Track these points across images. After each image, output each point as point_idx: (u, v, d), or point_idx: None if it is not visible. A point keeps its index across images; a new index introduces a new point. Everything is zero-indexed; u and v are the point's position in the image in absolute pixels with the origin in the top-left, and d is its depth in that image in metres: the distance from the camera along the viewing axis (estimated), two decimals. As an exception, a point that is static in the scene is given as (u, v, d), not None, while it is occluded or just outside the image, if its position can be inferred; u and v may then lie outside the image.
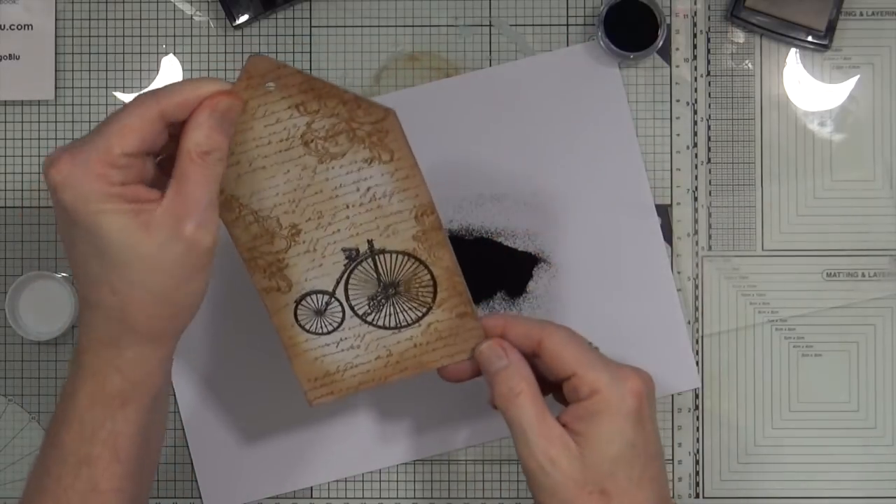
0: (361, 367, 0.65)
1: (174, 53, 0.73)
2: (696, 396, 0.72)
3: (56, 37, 0.72)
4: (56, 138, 0.72)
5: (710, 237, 0.72)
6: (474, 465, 0.72)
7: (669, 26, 0.72)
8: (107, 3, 0.73)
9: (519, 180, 0.71)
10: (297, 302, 0.64)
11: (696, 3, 0.72)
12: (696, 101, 0.72)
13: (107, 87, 0.73)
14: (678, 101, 0.72)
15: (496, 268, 0.71)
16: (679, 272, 0.72)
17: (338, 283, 0.64)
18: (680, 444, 0.72)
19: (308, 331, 0.64)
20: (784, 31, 0.71)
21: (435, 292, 0.64)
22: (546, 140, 0.71)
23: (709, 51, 0.72)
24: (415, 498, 0.72)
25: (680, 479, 0.72)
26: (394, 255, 0.64)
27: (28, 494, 0.58)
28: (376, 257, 0.64)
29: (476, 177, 0.71)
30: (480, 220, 0.71)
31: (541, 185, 0.71)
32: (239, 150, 0.62)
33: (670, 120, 0.72)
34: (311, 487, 0.72)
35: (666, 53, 0.72)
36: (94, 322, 0.57)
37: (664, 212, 0.72)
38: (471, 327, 0.63)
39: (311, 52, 0.72)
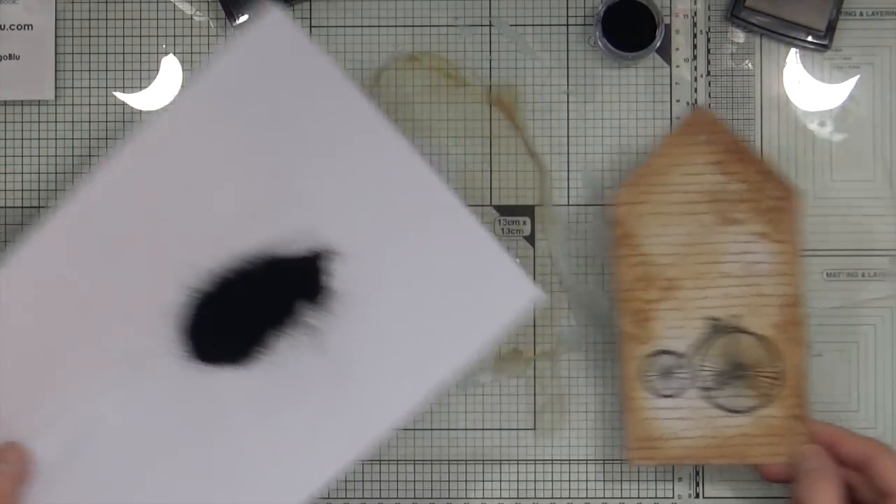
0: (686, 441, 0.65)
1: (174, 53, 0.73)
2: (696, 396, 0.72)
3: (56, 37, 0.72)
4: (56, 138, 0.72)
5: (710, 237, 0.72)
6: (474, 465, 0.72)
7: (668, 26, 0.72)
8: (107, 3, 0.73)
9: (266, 187, 0.66)
10: (649, 356, 0.64)
11: (696, 3, 0.72)
12: (696, 101, 0.72)
13: (107, 87, 0.73)
14: (678, 101, 0.72)
15: (288, 282, 0.66)
16: (679, 272, 0.72)
17: (692, 349, 0.64)
18: (680, 445, 0.72)
19: (649, 389, 0.65)
20: (784, 31, 0.71)
21: (778, 388, 0.64)
22: (274, 135, 0.66)
23: (709, 51, 0.72)
24: (415, 498, 0.72)
25: (680, 479, 0.72)
26: (752, 337, 0.64)
27: None
28: (735, 334, 0.64)
29: (222, 205, 0.66)
30: (247, 244, 0.66)
31: (290, 181, 0.66)
32: (651, 192, 0.63)
33: (670, 120, 0.72)
34: (311, 487, 0.72)
35: (666, 53, 0.72)
36: None
37: (664, 212, 0.72)
38: (800, 431, 0.64)
39: (310, 52, 0.72)
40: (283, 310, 0.66)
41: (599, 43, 0.71)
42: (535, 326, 0.72)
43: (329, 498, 0.72)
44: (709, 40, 0.73)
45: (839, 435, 0.66)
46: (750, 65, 0.72)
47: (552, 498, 0.72)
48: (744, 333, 0.64)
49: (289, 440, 0.66)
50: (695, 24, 0.72)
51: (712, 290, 0.64)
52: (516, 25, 0.73)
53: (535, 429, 0.72)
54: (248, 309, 0.66)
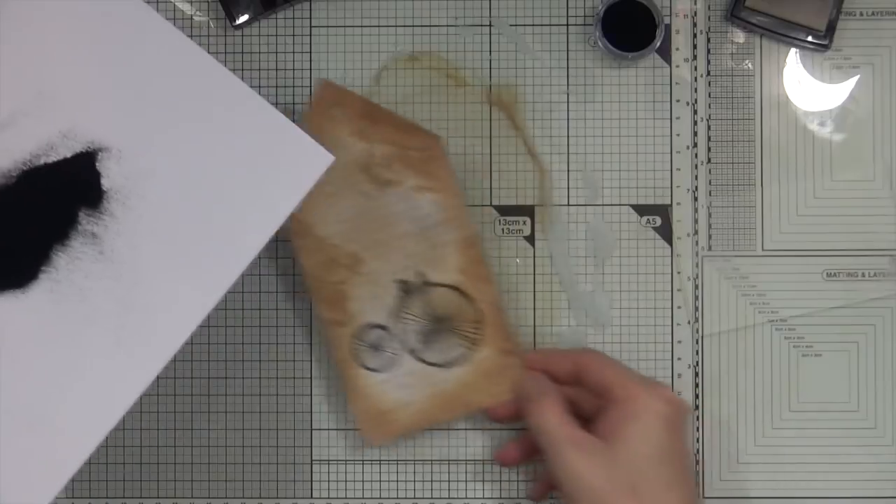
0: (414, 406, 0.65)
1: (174, 53, 0.73)
2: (697, 396, 0.72)
3: (56, 37, 0.72)
4: (56, 138, 0.72)
5: (710, 237, 0.72)
6: (474, 465, 0.72)
7: (668, 26, 0.72)
8: (107, 3, 0.73)
9: (15, 90, 0.61)
10: (355, 336, 0.64)
11: (696, 3, 0.72)
12: (696, 101, 0.72)
13: (107, 88, 0.73)
14: (678, 101, 0.72)
15: (58, 191, 0.61)
16: (679, 272, 0.72)
17: (392, 316, 0.64)
18: (680, 444, 0.72)
19: (364, 366, 0.64)
20: (784, 31, 0.71)
21: (481, 329, 0.64)
22: (17, 31, 0.61)
23: (709, 51, 0.72)
24: (415, 498, 0.72)
25: (680, 480, 0.72)
26: (442, 289, 0.64)
27: None
28: (427, 290, 0.64)
29: None
30: (8, 157, 0.61)
31: (40, 79, 0.61)
32: None
33: (670, 120, 0.72)
34: (311, 487, 0.72)
35: (666, 53, 0.72)
36: None
37: (664, 212, 0.72)
38: (514, 364, 0.64)
39: (311, 52, 0.72)
40: (58, 221, 0.60)
41: (599, 43, 0.71)
42: (535, 326, 0.72)
43: (329, 498, 0.72)
44: (709, 40, 0.73)
45: (548, 355, 0.67)
46: (750, 65, 0.72)
47: (552, 498, 0.72)
48: (434, 286, 0.64)
49: (83, 360, 0.60)
50: (695, 24, 0.72)
51: (393, 254, 0.64)
52: (516, 25, 0.73)
53: (535, 429, 0.72)
54: (17, 227, 0.61)
